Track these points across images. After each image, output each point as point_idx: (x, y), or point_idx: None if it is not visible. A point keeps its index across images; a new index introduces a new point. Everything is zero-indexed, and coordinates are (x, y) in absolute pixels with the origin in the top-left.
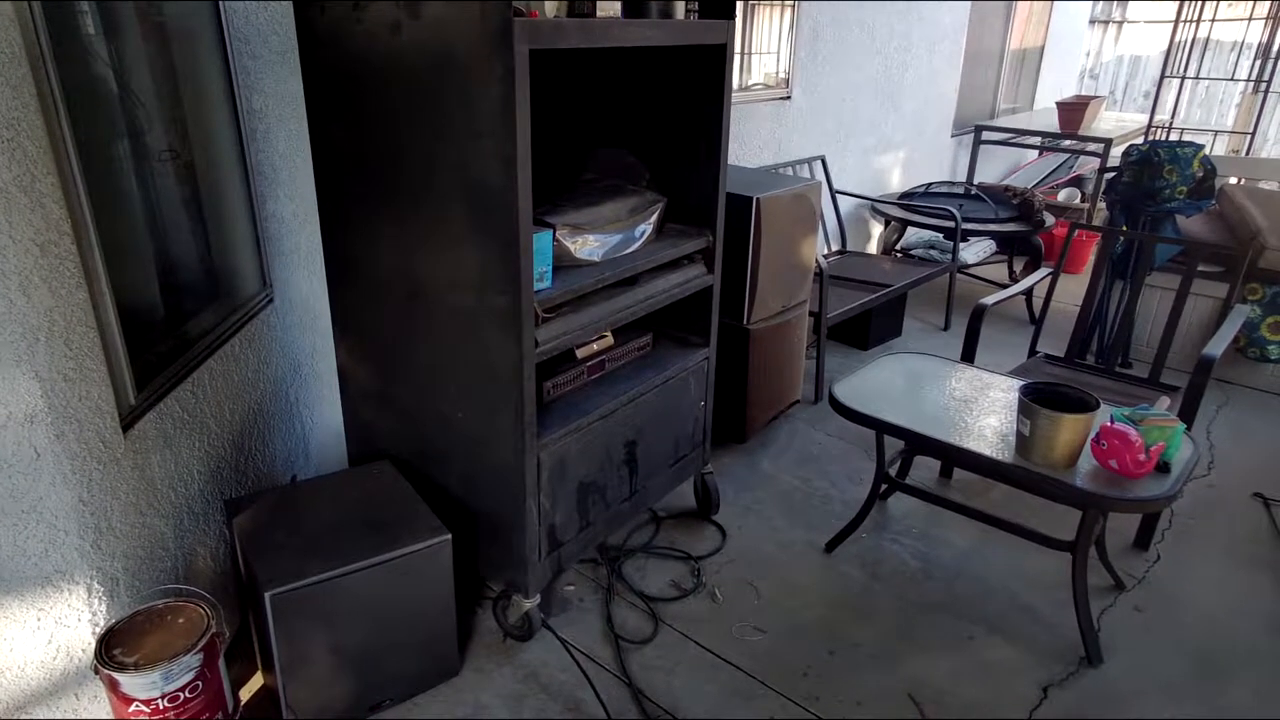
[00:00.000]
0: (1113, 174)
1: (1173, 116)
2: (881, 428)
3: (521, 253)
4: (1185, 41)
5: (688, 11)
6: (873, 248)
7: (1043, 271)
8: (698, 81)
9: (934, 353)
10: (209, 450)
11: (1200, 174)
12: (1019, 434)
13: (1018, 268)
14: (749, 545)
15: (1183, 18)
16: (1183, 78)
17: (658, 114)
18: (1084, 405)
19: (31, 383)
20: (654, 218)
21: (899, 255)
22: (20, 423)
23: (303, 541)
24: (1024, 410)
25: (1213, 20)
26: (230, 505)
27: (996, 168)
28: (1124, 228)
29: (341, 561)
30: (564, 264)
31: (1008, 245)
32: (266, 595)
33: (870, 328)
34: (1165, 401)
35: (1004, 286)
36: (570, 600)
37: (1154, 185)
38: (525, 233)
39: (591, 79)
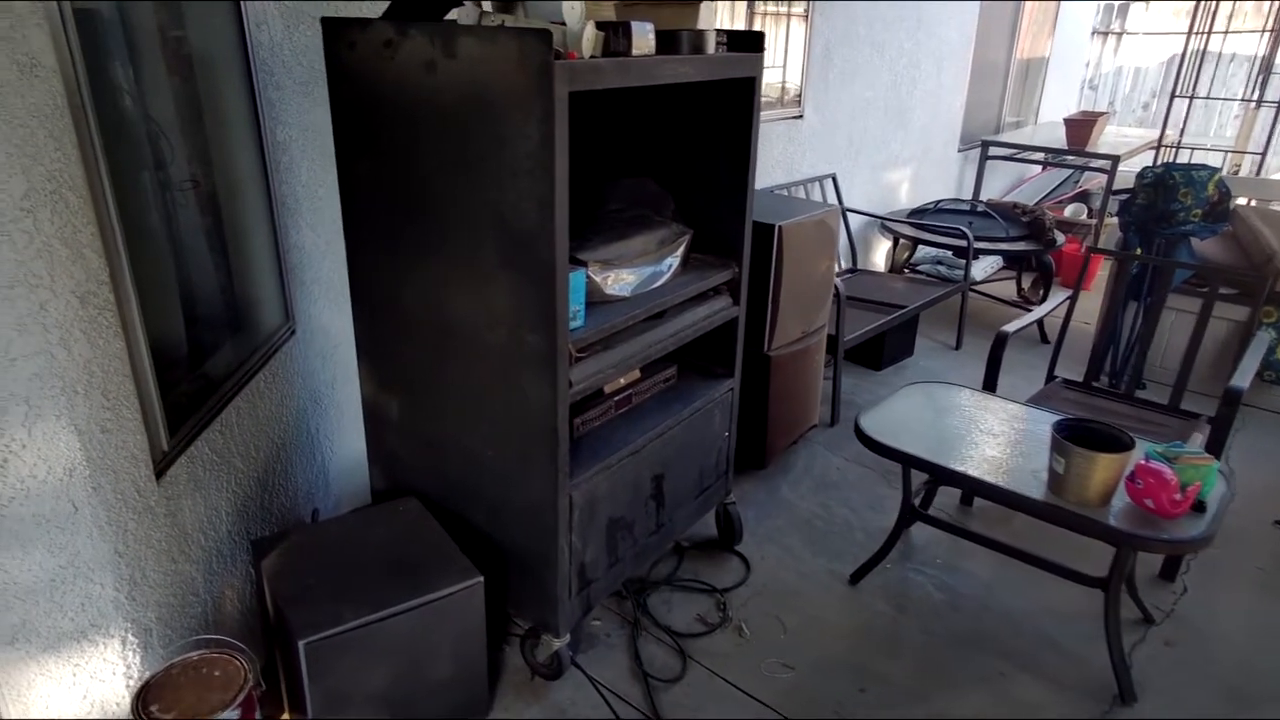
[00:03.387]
0: (1125, 195)
1: (1181, 134)
2: (911, 463)
3: (558, 295)
4: (1195, 53)
5: (717, 45)
6: (879, 263)
7: (1061, 295)
8: (723, 112)
9: (947, 373)
10: (236, 490)
11: (1215, 197)
12: (1052, 471)
13: (1026, 284)
14: (773, 576)
15: (1194, 30)
16: (1191, 97)
17: (679, 143)
18: (1118, 443)
19: (71, 436)
20: (681, 250)
21: (907, 273)
22: (60, 477)
23: (333, 585)
24: (1058, 448)
25: (1225, 32)
26: (257, 546)
27: (1000, 182)
28: (1138, 250)
29: (374, 607)
30: (594, 300)
31: (1016, 262)
32: (301, 644)
33: (883, 348)
34: (1199, 438)
35: (1012, 303)
36: (597, 636)
37: (1169, 207)
38: (561, 275)
39: (611, 107)
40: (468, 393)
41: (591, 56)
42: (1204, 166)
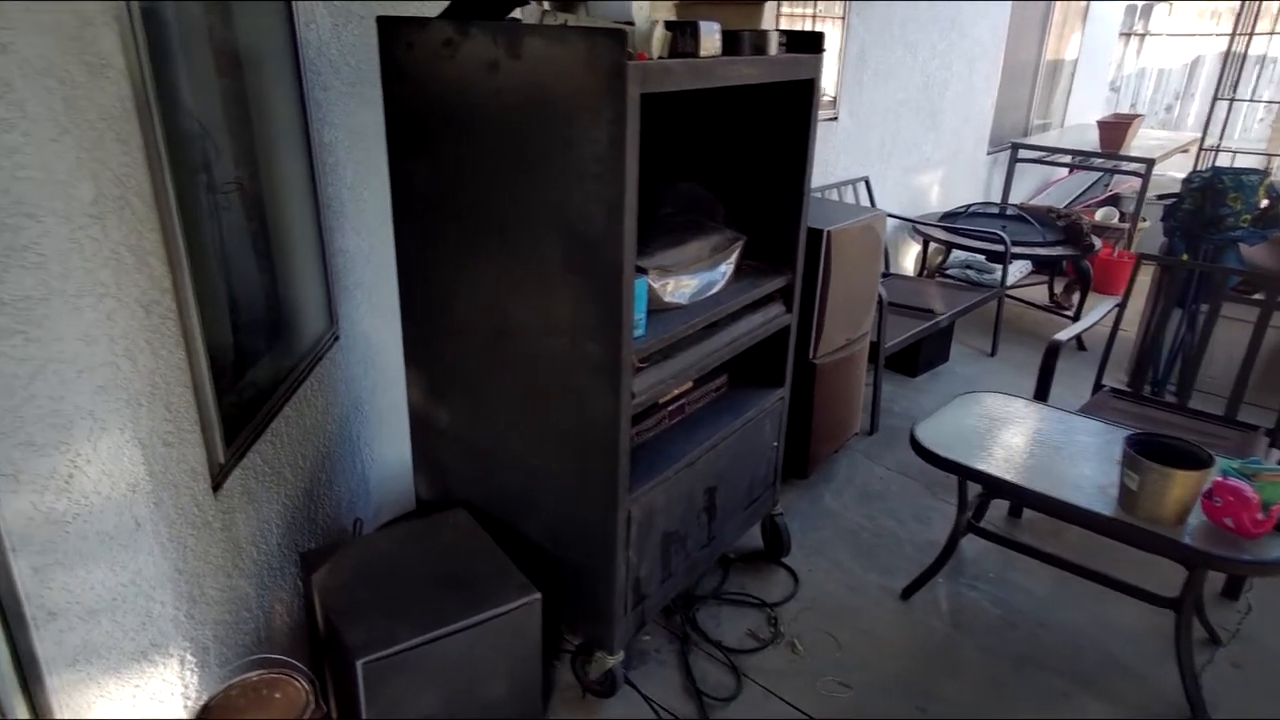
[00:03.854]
0: (1171, 200)
1: (1221, 137)
2: (972, 476)
3: (624, 302)
4: (1237, 56)
5: (778, 45)
6: (908, 267)
7: (1108, 303)
8: (775, 114)
9: (984, 380)
10: (285, 502)
11: (1265, 202)
12: (1123, 487)
13: (1058, 289)
14: (822, 590)
15: (1238, 31)
16: (1233, 100)
17: (727, 145)
18: (1195, 459)
19: (134, 450)
20: (735, 256)
21: (938, 278)
22: (123, 493)
23: (388, 601)
24: (1131, 463)
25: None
26: (306, 559)
27: (1026, 185)
28: (1184, 255)
29: (432, 625)
30: (653, 308)
31: (1048, 267)
32: (359, 664)
33: (919, 354)
34: (1277, 454)
35: (1044, 309)
36: (647, 652)
37: (1217, 213)
38: (628, 282)
39: (660, 108)
40: (523, 402)
41: (659, 57)
42: (1254, 171)
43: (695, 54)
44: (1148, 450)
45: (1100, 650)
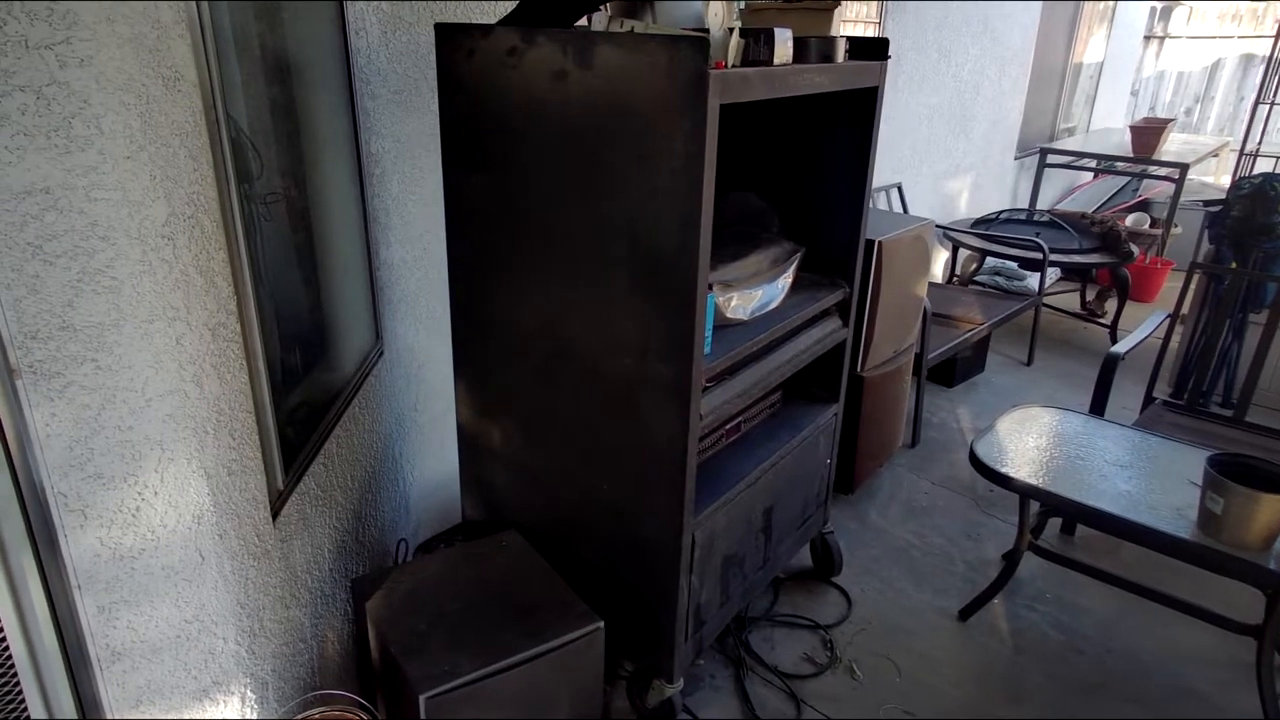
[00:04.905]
0: (1218, 206)
1: (1260, 143)
2: (1040, 497)
3: (697, 321)
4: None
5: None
6: (936, 274)
7: (1160, 315)
8: (837, 122)
9: (1023, 391)
10: (336, 525)
11: None
12: (1205, 510)
13: (1089, 296)
14: (876, 611)
15: None
16: (1272, 103)
17: (783, 154)
18: None
19: (200, 480)
20: (793, 269)
21: (967, 284)
22: (188, 525)
23: (447, 632)
24: (1214, 486)
25: None
26: (357, 586)
27: (1051, 191)
28: (1233, 264)
29: (494, 656)
30: (716, 324)
31: (1080, 274)
32: (422, 698)
33: (955, 364)
34: None
35: (1078, 316)
36: (701, 677)
37: (1269, 220)
38: (701, 300)
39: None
40: (582, 421)
41: (734, 65)
42: None
43: (769, 62)
44: (1230, 471)
45: (1170, 676)
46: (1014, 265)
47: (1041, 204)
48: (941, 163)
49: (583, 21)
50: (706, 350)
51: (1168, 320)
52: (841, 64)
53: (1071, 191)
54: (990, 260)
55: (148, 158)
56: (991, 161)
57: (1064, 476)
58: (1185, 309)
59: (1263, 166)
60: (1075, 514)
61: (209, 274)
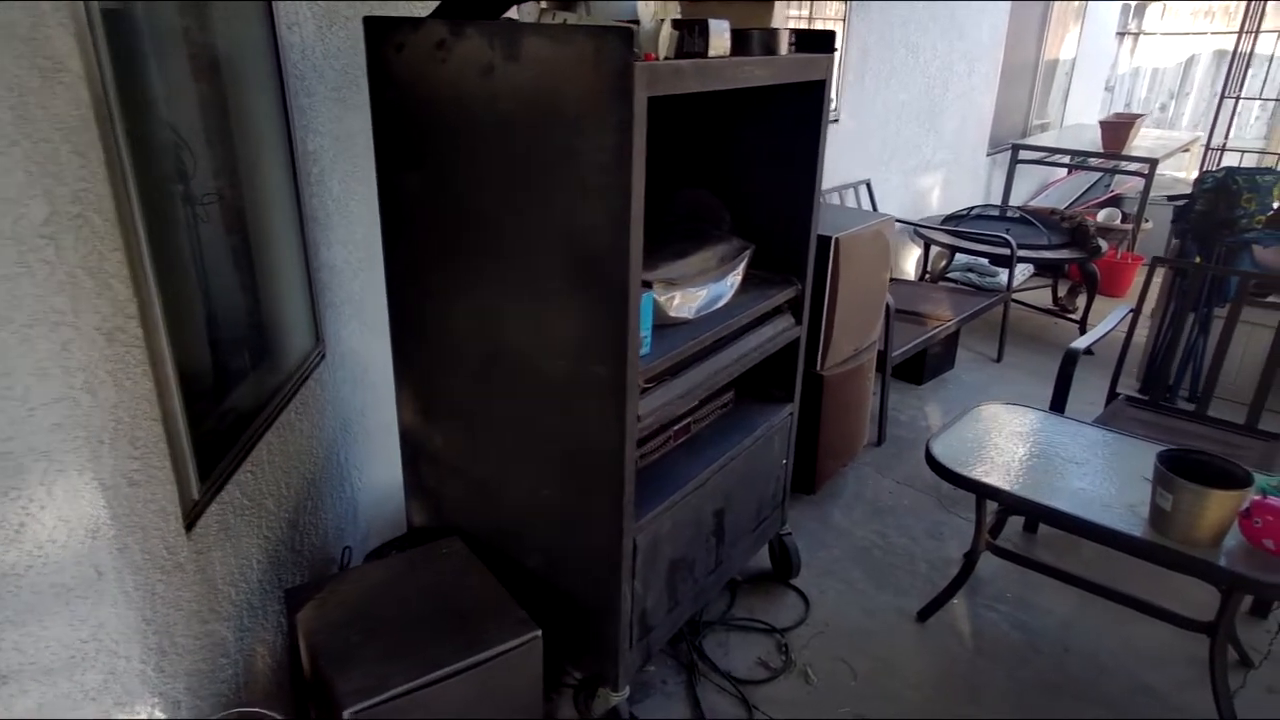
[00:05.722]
0: (1183, 201)
1: (1227, 136)
2: (993, 495)
3: (630, 321)
4: (1243, 54)
5: (788, 45)
6: (910, 271)
7: (1117, 307)
8: (786, 117)
9: (992, 388)
10: (267, 535)
11: (1279, 203)
12: (1156, 507)
13: (1061, 292)
14: (834, 613)
15: (1244, 29)
16: (1239, 98)
17: (731, 149)
18: (1231, 477)
19: (95, 493)
20: (743, 266)
21: (938, 281)
22: (82, 540)
23: (380, 643)
24: (1163, 482)
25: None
26: (291, 596)
27: (1024, 187)
28: (1197, 259)
29: (425, 668)
30: (658, 324)
31: (1051, 270)
32: (346, 713)
33: (924, 361)
34: None
35: (1048, 312)
36: (652, 684)
37: (1231, 214)
38: (634, 300)
39: (664, 112)
40: (521, 425)
41: (666, 58)
42: (1269, 171)
43: (704, 54)
44: (1181, 467)
45: (1128, 675)
46: (985, 262)
47: (1016, 200)
48: (912, 159)
49: (513, 13)
50: (646, 350)
51: (1130, 315)
52: (784, 57)
53: (1045, 188)
54: (962, 257)
55: (21, 153)
56: (964, 158)
57: (1019, 475)
58: (1151, 304)
59: (1230, 161)
60: (1030, 512)
61: (101, 275)
